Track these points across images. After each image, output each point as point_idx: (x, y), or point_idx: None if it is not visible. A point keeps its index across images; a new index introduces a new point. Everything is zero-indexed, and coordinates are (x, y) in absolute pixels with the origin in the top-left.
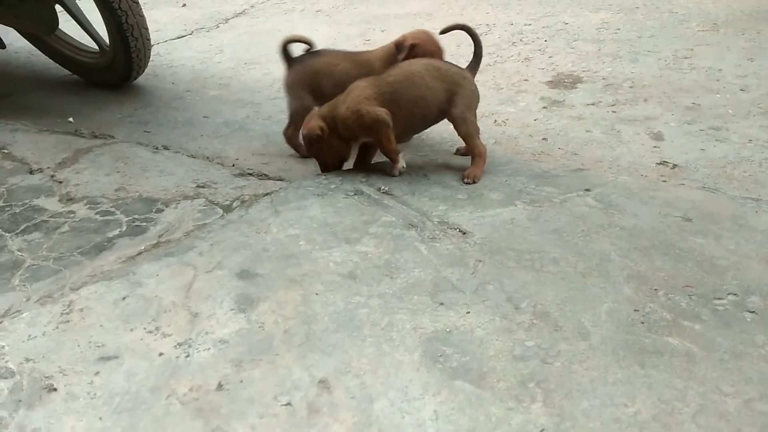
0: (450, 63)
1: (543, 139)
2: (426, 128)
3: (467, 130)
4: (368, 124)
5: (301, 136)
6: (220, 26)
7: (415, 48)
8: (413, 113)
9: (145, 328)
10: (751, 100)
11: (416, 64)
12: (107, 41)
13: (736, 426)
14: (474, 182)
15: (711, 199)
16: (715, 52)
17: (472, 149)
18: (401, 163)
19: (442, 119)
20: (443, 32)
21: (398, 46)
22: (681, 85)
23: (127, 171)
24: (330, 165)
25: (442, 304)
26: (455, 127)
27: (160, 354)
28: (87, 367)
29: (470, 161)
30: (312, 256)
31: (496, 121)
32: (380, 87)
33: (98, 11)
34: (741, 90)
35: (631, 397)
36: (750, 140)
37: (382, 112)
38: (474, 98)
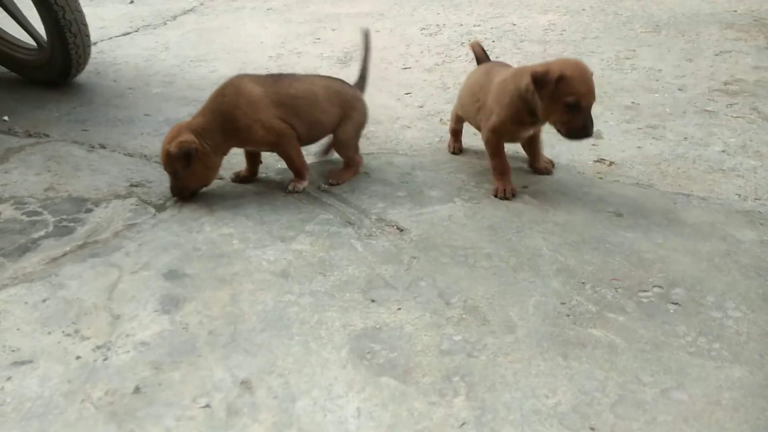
0: (346, 83)
1: None
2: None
3: (348, 153)
4: (275, 139)
5: (163, 154)
6: (167, 23)
7: (560, 83)
8: (308, 134)
9: (63, 332)
10: (688, 100)
11: (318, 84)
12: (45, 37)
13: (652, 415)
14: (338, 184)
15: (643, 194)
16: (655, 53)
17: (348, 161)
18: (306, 182)
19: None
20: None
21: (537, 80)
22: (622, 84)
23: (58, 170)
24: (192, 187)
25: (373, 301)
26: (336, 148)
27: (77, 357)
28: None
29: (343, 166)
30: (244, 255)
31: (441, 119)
32: (279, 97)
33: (34, 6)
34: (679, 90)
35: (553, 389)
36: (685, 138)
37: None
38: (364, 121)
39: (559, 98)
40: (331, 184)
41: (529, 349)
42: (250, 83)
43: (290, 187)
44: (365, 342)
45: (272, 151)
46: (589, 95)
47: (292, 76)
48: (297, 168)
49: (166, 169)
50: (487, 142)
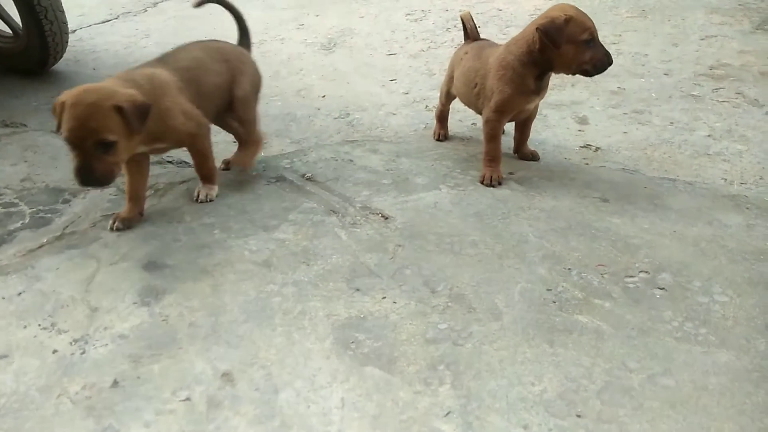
0: (222, 41)
1: (472, 124)
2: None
3: (251, 114)
4: (194, 130)
5: (99, 115)
6: (147, 10)
7: (569, 25)
8: (212, 104)
9: (39, 325)
10: (674, 84)
11: (197, 49)
12: (20, 24)
13: (639, 401)
14: (247, 167)
15: (629, 180)
16: (641, 37)
17: (249, 135)
18: (217, 186)
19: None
20: (197, 5)
21: (548, 30)
22: (608, 70)
23: (35, 161)
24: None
25: (358, 290)
26: (237, 111)
27: (54, 351)
28: None
29: (241, 148)
30: (226, 245)
31: (427, 106)
32: (181, 76)
33: None
34: (665, 74)
35: (539, 376)
36: (671, 123)
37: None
38: (258, 78)
39: (574, 39)
40: (242, 170)
41: (515, 336)
42: (154, 68)
43: (202, 196)
44: (349, 332)
45: (184, 146)
46: (594, 26)
47: (170, 54)
48: (210, 169)
49: (89, 140)
50: (487, 122)
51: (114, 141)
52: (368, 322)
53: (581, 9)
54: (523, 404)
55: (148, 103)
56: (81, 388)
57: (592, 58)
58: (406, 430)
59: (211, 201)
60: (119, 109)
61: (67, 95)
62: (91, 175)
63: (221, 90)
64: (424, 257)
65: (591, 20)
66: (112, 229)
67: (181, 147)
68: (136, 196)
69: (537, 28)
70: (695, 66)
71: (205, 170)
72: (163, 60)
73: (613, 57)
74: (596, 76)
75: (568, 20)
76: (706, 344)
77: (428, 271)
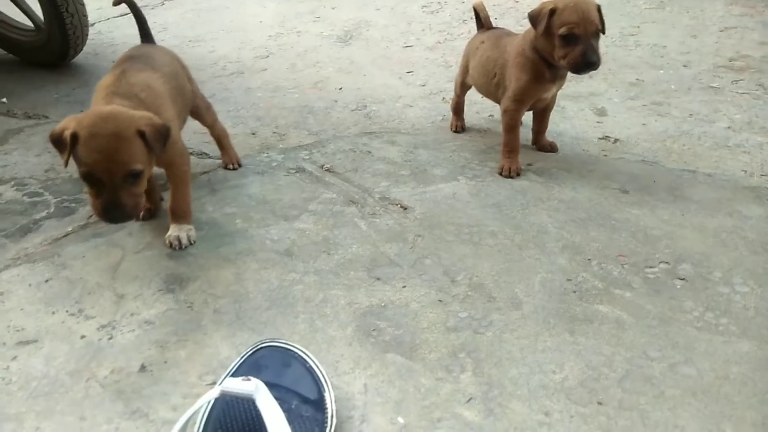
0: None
1: (489, 116)
2: None
3: (215, 115)
4: (184, 151)
5: (124, 143)
6: (165, 3)
7: (553, 16)
8: (186, 115)
9: (67, 311)
10: (693, 76)
11: (161, 53)
12: (42, 18)
13: (660, 389)
14: (238, 165)
15: (649, 171)
16: (660, 29)
17: (223, 132)
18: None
19: None
20: (116, 3)
21: (532, 17)
22: (626, 61)
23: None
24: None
25: (378, 279)
26: (203, 117)
27: (82, 337)
28: (4, 352)
29: (222, 147)
30: (248, 234)
31: (444, 98)
32: (170, 84)
33: None
34: (684, 66)
35: (560, 364)
36: (690, 114)
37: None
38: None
39: (554, 32)
40: (235, 168)
41: (536, 325)
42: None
43: (184, 239)
44: (371, 319)
45: (169, 169)
46: (582, 23)
47: (145, 55)
48: (189, 202)
49: (118, 173)
50: (505, 112)
51: (142, 170)
52: (389, 311)
53: (592, 3)
54: (545, 391)
55: (167, 125)
56: (109, 372)
57: (566, 55)
58: (429, 415)
59: (193, 244)
60: (142, 135)
61: (75, 125)
62: (122, 211)
63: (190, 98)
64: (443, 247)
65: (583, 17)
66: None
67: (163, 168)
68: (152, 187)
69: (528, 13)
70: (714, 58)
71: (186, 203)
72: (148, 63)
73: (599, 60)
74: (614, 68)
75: (553, 11)
76: (727, 334)
77: (448, 261)
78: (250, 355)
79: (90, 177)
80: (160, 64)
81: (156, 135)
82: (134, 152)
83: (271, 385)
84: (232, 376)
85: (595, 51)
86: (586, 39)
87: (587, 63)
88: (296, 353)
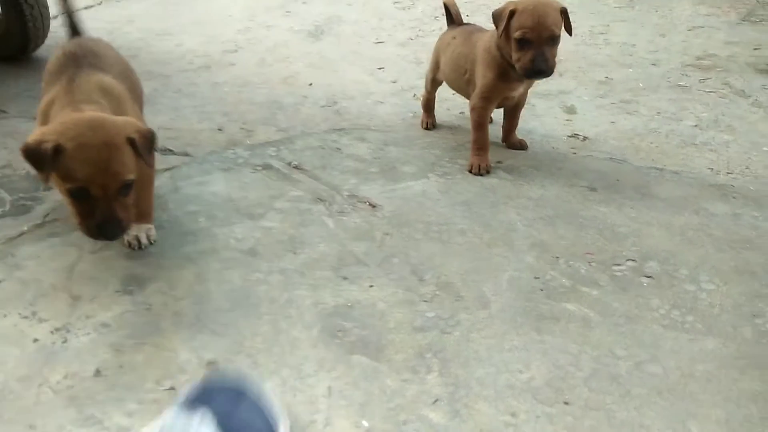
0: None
1: (460, 113)
2: None
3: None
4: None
5: (114, 152)
6: None
7: (512, 18)
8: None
9: (20, 314)
10: (661, 74)
11: (107, 47)
12: (0, 9)
13: (626, 388)
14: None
15: (617, 169)
16: (629, 28)
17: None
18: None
19: None
20: None
21: (494, 16)
22: (595, 60)
23: (16, 148)
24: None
25: (345, 278)
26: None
27: (35, 340)
28: None
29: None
30: (211, 233)
31: (415, 95)
32: (125, 85)
33: None
34: (652, 64)
35: (526, 364)
36: (658, 113)
37: None
38: None
39: (510, 34)
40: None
41: (503, 324)
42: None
43: (143, 239)
44: (337, 320)
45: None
46: (536, 28)
47: (87, 54)
48: (152, 201)
49: (113, 186)
50: (473, 110)
51: (133, 180)
52: (356, 311)
53: (547, 5)
54: (511, 392)
55: (152, 130)
56: (62, 377)
57: (518, 59)
58: (394, 418)
59: (153, 243)
60: (131, 142)
61: (57, 136)
62: (120, 226)
63: (141, 92)
64: (412, 245)
65: (538, 23)
66: None
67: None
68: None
69: (492, 12)
70: (682, 56)
71: (149, 203)
72: (95, 65)
73: (549, 69)
74: (584, 66)
75: (513, 13)
76: (693, 332)
77: (416, 260)
78: (200, 386)
79: (80, 192)
80: (108, 65)
81: (144, 142)
82: (126, 162)
83: (220, 421)
84: (179, 406)
85: (545, 58)
86: (538, 45)
87: (535, 70)
88: (249, 388)
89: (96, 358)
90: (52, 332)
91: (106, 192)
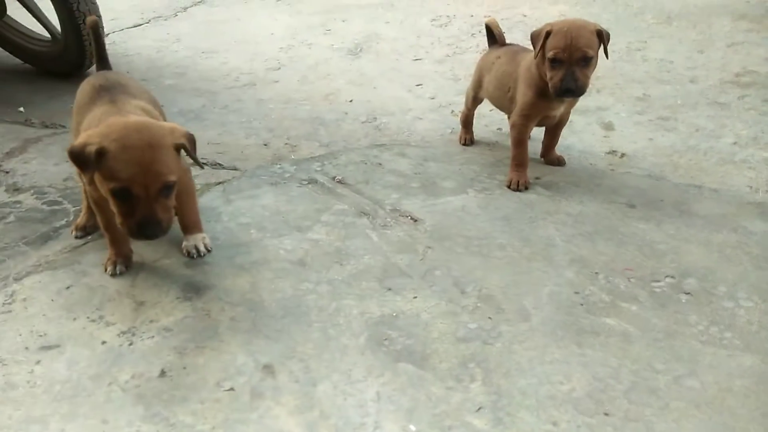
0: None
1: (498, 129)
2: None
3: None
4: (185, 166)
5: (157, 153)
6: (178, 15)
7: (547, 39)
8: None
9: (88, 317)
10: (700, 91)
11: (133, 81)
12: (59, 29)
13: (665, 401)
14: None
15: (655, 186)
16: (667, 44)
17: None
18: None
19: None
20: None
21: (532, 37)
22: (633, 76)
23: None
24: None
25: (390, 289)
26: None
27: (103, 342)
28: (28, 357)
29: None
30: (262, 244)
31: (453, 111)
32: (156, 112)
33: None
34: (690, 81)
35: (567, 375)
36: (697, 129)
37: None
38: None
39: (545, 54)
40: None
41: (544, 337)
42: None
43: (201, 247)
44: (383, 329)
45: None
46: (567, 49)
47: (120, 85)
48: (197, 212)
49: (155, 186)
50: (513, 127)
51: (176, 182)
52: (400, 321)
53: (582, 26)
54: (552, 402)
55: (192, 134)
56: (130, 377)
57: (551, 78)
58: (440, 423)
59: (210, 251)
60: (179, 147)
61: (100, 139)
62: (159, 226)
63: None
64: (453, 259)
65: (570, 44)
66: (113, 275)
67: None
68: (121, 237)
69: (531, 33)
70: (721, 73)
71: (195, 213)
72: (126, 92)
73: (578, 88)
74: (621, 83)
75: (549, 33)
76: (731, 348)
77: (458, 273)
78: None
79: (123, 192)
80: (137, 93)
81: (193, 145)
82: (170, 163)
83: None
84: None
85: (575, 78)
86: (569, 65)
87: (564, 89)
88: None
89: (160, 360)
90: (118, 335)
91: (147, 192)
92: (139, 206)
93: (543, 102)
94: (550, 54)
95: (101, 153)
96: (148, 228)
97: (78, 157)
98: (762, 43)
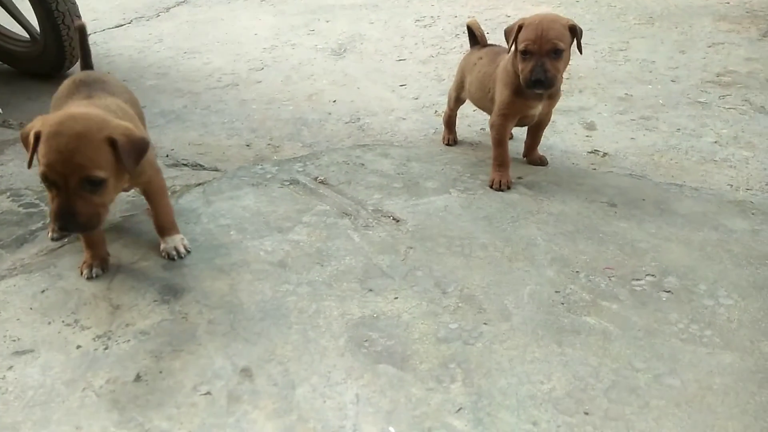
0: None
1: (481, 129)
2: None
3: None
4: (158, 167)
5: (93, 148)
6: (160, 15)
7: (519, 32)
8: None
9: (63, 321)
10: (681, 91)
11: (115, 81)
12: (38, 29)
13: (645, 400)
14: None
15: (637, 185)
16: (649, 44)
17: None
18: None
19: None
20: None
21: (505, 32)
22: (615, 76)
23: None
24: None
25: (371, 290)
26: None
27: (78, 347)
28: (0, 362)
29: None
30: (242, 246)
31: (436, 111)
32: (135, 111)
33: None
34: (672, 81)
35: (547, 375)
36: (678, 129)
37: None
38: None
39: (518, 46)
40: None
41: (524, 336)
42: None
43: (181, 248)
44: (363, 330)
45: (146, 186)
46: (538, 41)
47: (97, 81)
48: (172, 213)
49: (73, 177)
50: (492, 126)
51: (103, 179)
52: (381, 322)
53: (553, 21)
54: (533, 402)
55: (146, 139)
56: (105, 381)
57: (521, 71)
58: (419, 425)
59: (189, 252)
60: (112, 143)
61: (42, 123)
62: (74, 218)
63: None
64: (435, 259)
65: (540, 35)
66: (89, 278)
67: (140, 187)
68: (98, 240)
69: (504, 29)
70: (702, 73)
71: (170, 214)
72: (105, 89)
73: (547, 80)
74: (603, 83)
75: (521, 26)
76: (711, 346)
77: (439, 273)
78: None
79: (46, 178)
80: (116, 91)
81: (129, 147)
82: (95, 157)
83: None
84: None
85: (545, 69)
86: (539, 56)
87: (533, 80)
88: None
89: (136, 364)
90: (94, 339)
91: (66, 182)
92: (58, 197)
93: (520, 100)
94: (521, 46)
95: (37, 137)
96: (61, 219)
97: (23, 139)
98: (742, 44)
